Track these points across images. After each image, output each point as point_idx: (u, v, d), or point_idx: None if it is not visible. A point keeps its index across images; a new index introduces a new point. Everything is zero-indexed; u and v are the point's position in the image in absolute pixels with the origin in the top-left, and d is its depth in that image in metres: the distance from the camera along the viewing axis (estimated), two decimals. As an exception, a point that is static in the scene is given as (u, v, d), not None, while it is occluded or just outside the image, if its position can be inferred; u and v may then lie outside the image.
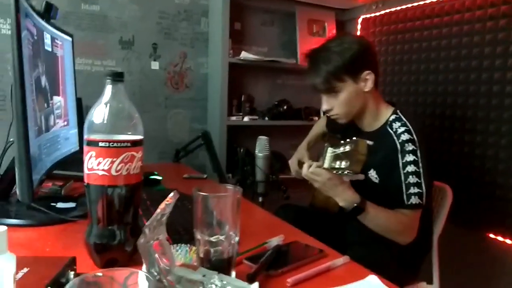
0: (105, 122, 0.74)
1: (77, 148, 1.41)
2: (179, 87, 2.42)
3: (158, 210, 0.63)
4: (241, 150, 2.43)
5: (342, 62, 1.29)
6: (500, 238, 1.91)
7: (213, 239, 0.70)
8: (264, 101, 2.60)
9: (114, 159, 0.72)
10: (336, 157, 1.09)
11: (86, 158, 0.74)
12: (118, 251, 0.75)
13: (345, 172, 1.02)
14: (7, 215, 1.01)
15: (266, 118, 2.47)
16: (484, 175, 1.94)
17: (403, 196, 1.24)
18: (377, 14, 2.53)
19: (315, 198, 1.51)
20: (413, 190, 1.23)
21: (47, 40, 1.16)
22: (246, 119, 2.38)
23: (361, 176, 1.04)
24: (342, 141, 1.09)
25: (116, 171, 0.73)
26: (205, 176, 1.68)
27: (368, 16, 2.60)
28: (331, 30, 2.69)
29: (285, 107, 2.48)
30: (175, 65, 2.39)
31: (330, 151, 1.14)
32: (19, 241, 0.88)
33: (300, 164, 1.70)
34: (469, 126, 2.01)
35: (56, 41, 1.25)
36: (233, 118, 2.36)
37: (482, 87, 1.95)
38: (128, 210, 0.76)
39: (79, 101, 1.64)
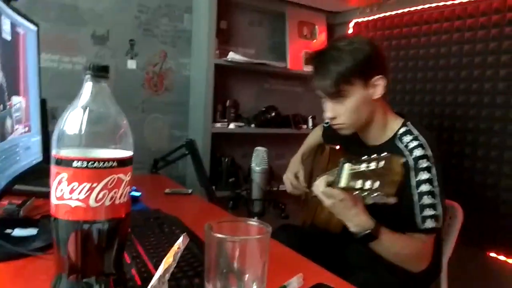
0: (82, 132, 0.53)
1: (40, 158, 1.17)
2: (158, 89, 2.20)
3: (164, 266, 0.43)
4: (226, 160, 2.25)
5: (354, 62, 1.15)
6: (502, 257, 1.81)
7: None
8: (250, 107, 2.43)
9: (94, 185, 0.53)
10: (358, 175, 0.91)
11: (54, 183, 0.53)
12: (96, 309, 0.55)
13: (375, 195, 0.85)
14: None
15: (253, 126, 2.29)
16: (487, 190, 1.84)
17: (417, 218, 1.10)
18: (371, 18, 2.41)
19: (316, 217, 1.34)
20: (428, 212, 1.10)
21: (6, 26, 0.94)
22: (232, 126, 2.19)
23: (392, 200, 0.87)
24: (365, 157, 0.92)
25: (97, 201, 0.53)
26: (190, 191, 1.47)
27: (360, 20, 2.48)
28: (321, 33, 2.55)
29: (272, 114, 2.32)
30: (154, 65, 2.17)
31: (348, 168, 0.96)
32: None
33: (295, 179, 1.54)
34: (469, 139, 1.91)
35: (17, 29, 1.03)
36: (218, 125, 2.17)
37: (485, 98, 1.85)
38: (110, 254, 0.56)
39: (43, 103, 1.41)
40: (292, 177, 1.53)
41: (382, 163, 0.86)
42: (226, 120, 2.24)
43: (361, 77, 1.16)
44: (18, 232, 0.90)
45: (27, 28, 1.12)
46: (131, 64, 2.10)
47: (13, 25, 0.99)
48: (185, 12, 2.22)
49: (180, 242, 0.46)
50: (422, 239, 1.11)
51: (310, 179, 1.49)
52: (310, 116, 2.48)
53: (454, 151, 1.96)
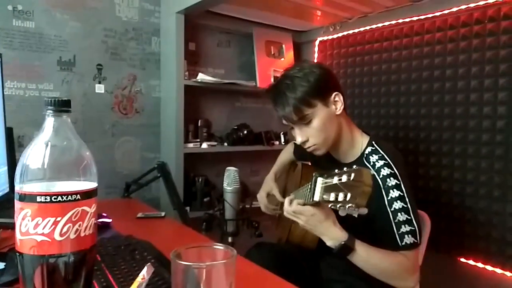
0: (45, 167, 0.54)
1: (7, 190, 1.15)
2: (128, 112, 2.19)
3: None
4: (199, 180, 2.25)
5: (309, 86, 1.19)
6: (471, 262, 1.87)
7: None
8: (222, 125, 2.45)
9: (59, 219, 0.53)
10: (331, 189, 0.93)
11: (18, 218, 0.54)
12: None
13: (348, 206, 0.87)
14: None
15: (226, 144, 2.31)
16: (453, 198, 1.91)
17: (396, 236, 1.12)
18: (335, 36, 2.49)
19: (291, 234, 1.36)
20: (405, 228, 1.12)
21: (-33, 59, 0.93)
22: (204, 145, 2.20)
23: (364, 210, 0.89)
24: (337, 170, 0.94)
25: (61, 235, 0.54)
26: (163, 214, 1.46)
27: (325, 38, 2.56)
28: (288, 51, 2.61)
29: (245, 132, 2.35)
30: (123, 88, 2.17)
31: (321, 182, 0.98)
32: None
33: (269, 197, 1.56)
34: (434, 149, 1.98)
35: (-21, 60, 1.02)
36: (190, 145, 2.17)
37: (446, 108, 1.93)
38: (78, 286, 0.56)
39: (9, 131, 1.39)
40: (264, 195, 1.56)
41: (352, 176, 0.88)
42: (198, 140, 2.25)
43: (319, 97, 1.20)
44: (-16, 267, 0.88)
45: (-11, 59, 1.11)
46: (99, 88, 2.09)
47: (-25, 57, 0.99)
48: (153, 35, 2.23)
49: (145, 273, 0.47)
50: (405, 255, 1.11)
51: (284, 196, 1.51)
52: (282, 132, 2.53)
53: (420, 161, 2.03)
